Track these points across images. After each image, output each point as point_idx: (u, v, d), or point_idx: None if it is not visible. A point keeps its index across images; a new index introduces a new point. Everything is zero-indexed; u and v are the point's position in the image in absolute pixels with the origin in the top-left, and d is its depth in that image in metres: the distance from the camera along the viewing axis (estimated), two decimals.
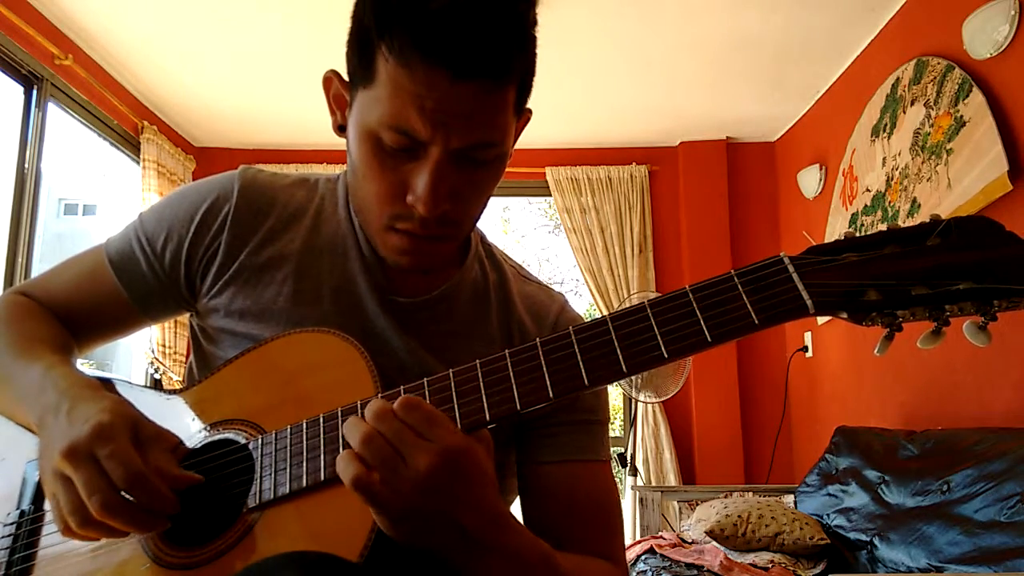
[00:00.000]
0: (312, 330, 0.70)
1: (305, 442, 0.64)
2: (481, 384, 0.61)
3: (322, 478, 0.62)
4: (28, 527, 0.72)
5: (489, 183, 0.71)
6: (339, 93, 0.74)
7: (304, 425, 0.65)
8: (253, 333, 0.75)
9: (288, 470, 0.63)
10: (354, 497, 0.57)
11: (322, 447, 0.63)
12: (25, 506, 0.73)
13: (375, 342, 0.75)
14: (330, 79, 0.75)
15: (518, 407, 0.59)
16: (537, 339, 0.61)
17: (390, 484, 0.55)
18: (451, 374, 0.62)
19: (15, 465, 0.76)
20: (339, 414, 0.64)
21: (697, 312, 0.57)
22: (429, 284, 0.80)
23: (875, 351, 0.56)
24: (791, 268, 0.56)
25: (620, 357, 0.58)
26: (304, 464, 0.63)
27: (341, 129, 0.75)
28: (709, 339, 0.56)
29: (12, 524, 0.72)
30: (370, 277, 0.78)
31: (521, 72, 0.68)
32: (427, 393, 0.62)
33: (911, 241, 0.55)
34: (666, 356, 0.57)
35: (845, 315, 0.55)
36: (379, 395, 0.64)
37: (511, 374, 0.60)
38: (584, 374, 0.59)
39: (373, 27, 0.63)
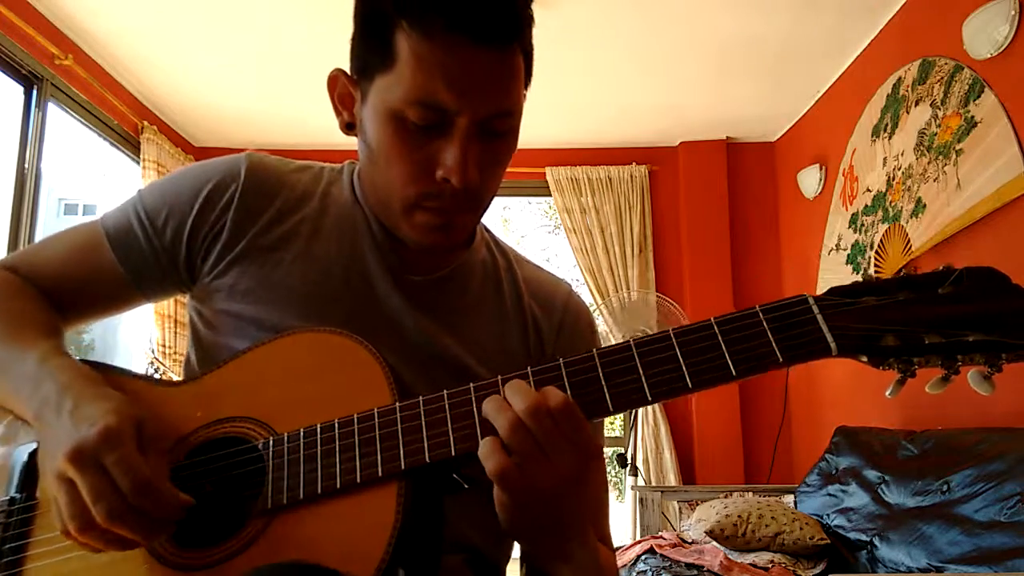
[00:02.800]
0: (325, 330, 0.69)
1: (320, 447, 0.63)
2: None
3: (338, 485, 0.61)
4: (19, 515, 0.69)
5: (506, 156, 0.74)
6: (345, 91, 0.74)
7: (319, 429, 0.64)
8: (260, 316, 0.74)
9: (302, 475, 0.62)
10: (372, 509, 0.56)
11: (338, 453, 0.62)
12: (14, 493, 0.70)
13: (386, 320, 0.76)
14: (336, 78, 0.75)
15: None
16: (560, 359, 0.62)
17: (528, 475, 0.58)
18: (472, 388, 0.63)
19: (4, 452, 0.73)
20: (355, 420, 0.63)
21: (722, 345, 0.59)
22: (439, 263, 0.81)
23: (887, 394, 0.58)
24: (816, 309, 0.57)
25: (644, 384, 0.59)
26: (319, 470, 0.62)
27: (349, 127, 0.76)
28: (734, 373, 0.58)
29: (2, 513, 0.69)
30: (381, 256, 0.79)
31: (527, 40, 0.71)
32: (447, 405, 0.62)
33: (923, 288, 0.57)
34: (691, 386, 0.59)
35: (865, 359, 0.57)
36: (396, 401, 0.63)
37: None
38: (608, 399, 0.60)
39: (391, 8, 0.65)
